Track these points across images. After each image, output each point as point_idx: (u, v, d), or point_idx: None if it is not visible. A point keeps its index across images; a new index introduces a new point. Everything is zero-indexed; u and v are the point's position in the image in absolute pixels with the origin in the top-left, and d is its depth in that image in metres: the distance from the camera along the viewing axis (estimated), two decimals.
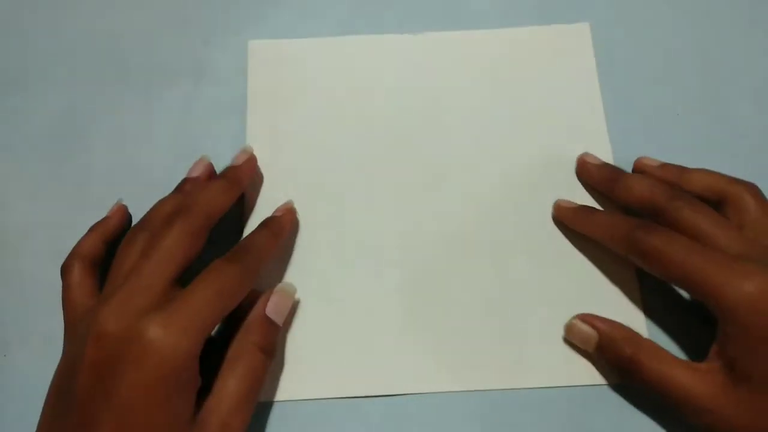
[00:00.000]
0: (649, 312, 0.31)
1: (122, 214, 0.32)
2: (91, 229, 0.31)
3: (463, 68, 0.36)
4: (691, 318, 0.30)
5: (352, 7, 0.38)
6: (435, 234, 0.32)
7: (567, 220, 0.32)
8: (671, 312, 0.31)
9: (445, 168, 0.34)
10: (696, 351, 0.30)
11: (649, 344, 0.28)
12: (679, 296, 0.31)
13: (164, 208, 0.29)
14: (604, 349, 0.29)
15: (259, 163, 0.34)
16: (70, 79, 0.36)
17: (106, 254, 0.30)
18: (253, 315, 0.28)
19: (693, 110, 0.35)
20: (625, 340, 0.28)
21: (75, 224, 0.33)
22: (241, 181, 0.31)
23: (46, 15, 0.38)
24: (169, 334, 0.24)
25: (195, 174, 0.32)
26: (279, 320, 0.29)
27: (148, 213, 0.29)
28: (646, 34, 0.37)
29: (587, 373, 0.30)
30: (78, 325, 0.27)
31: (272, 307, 0.28)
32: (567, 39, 0.36)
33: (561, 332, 0.30)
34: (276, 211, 0.32)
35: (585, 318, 0.29)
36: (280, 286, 0.30)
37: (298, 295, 0.31)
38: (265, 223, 0.31)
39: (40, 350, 0.31)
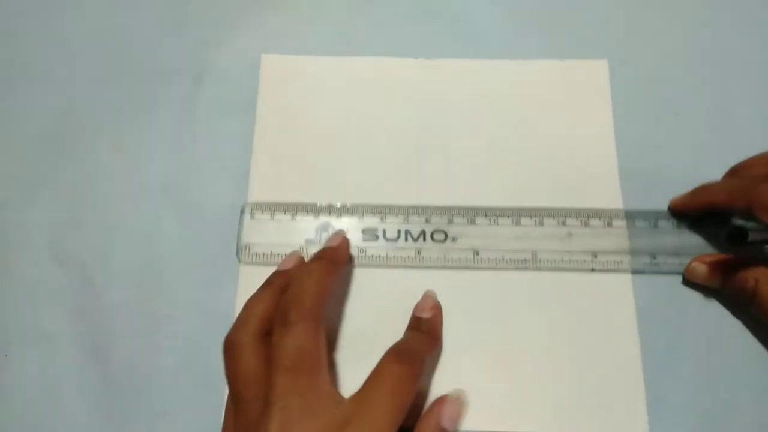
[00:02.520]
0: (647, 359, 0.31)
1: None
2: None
3: (476, 97, 0.35)
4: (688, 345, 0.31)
5: (356, 20, 0.37)
6: (443, 284, 0.32)
7: (685, 206, 0.32)
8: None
9: (450, 197, 0.33)
10: (694, 381, 0.30)
11: None
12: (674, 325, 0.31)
13: (262, 305, 0.27)
14: (729, 285, 0.30)
15: (264, 176, 0.34)
16: (70, 79, 0.36)
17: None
18: (430, 427, 0.26)
19: (693, 110, 0.35)
20: (746, 275, 0.29)
21: (76, 224, 0.33)
22: (339, 262, 0.30)
23: (46, 15, 0.38)
24: None
25: (285, 267, 0.30)
26: (453, 429, 0.26)
27: (244, 314, 0.27)
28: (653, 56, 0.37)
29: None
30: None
31: (447, 419, 0.26)
32: (584, 74, 0.35)
33: (553, 381, 0.30)
34: (421, 311, 0.30)
35: (702, 260, 0.30)
36: (454, 393, 0.27)
37: None
38: (417, 327, 0.29)
39: (41, 350, 0.31)
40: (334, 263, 0.29)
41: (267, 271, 0.30)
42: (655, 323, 0.31)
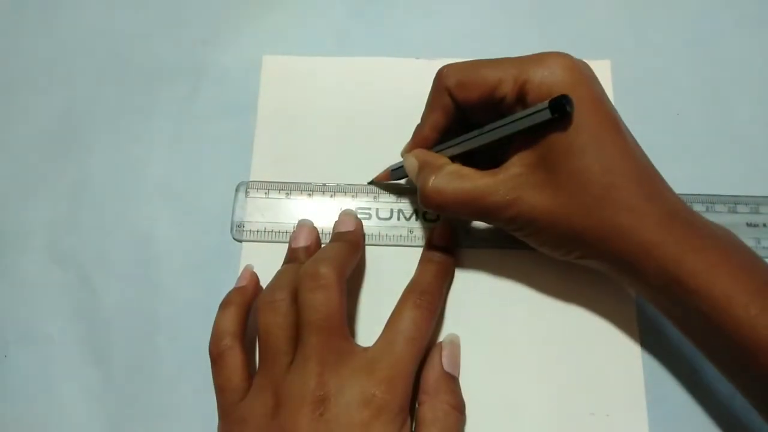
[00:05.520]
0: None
1: (257, 281, 0.31)
2: (232, 302, 0.29)
3: None
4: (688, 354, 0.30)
5: (356, 20, 0.37)
6: None
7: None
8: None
9: None
10: (694, 382, 0.30)
11: (452, 168, 0.28)
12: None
13: (288, 279, 0.28)
14: (418, 179, 0.29)
15: (264, 176, 0.34)
16: (70, 79, 0.36)
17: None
18: (435, 375, 0.28)
19: (693, 110, 0.35)
20: (429, 168, 0.28)
21: (75, 224, 0.33)
22: (359, 244, 0.31)
23: (45, 15, 0.38)
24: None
25: (303, 243, 0.31)
26: (457, 373, 0.29)
27: (275, 283, 0.28)
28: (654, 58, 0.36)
29: None
30: (236, 409, 0.26)
31: (447, 362, 0.28)
32: None
33: (551, 379, 0.30)
34: (435, 238, 0.31)
35: (414, 152, 0.30)
36: (447, 338, 0.30)
37: None
38: (430, 258, 0.31)
39: (40, 350, 0.31)
40: (356, 245, 0.30)
41: (268, 248, 0.31)
42: (653, 312, 0.31)
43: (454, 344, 0.29)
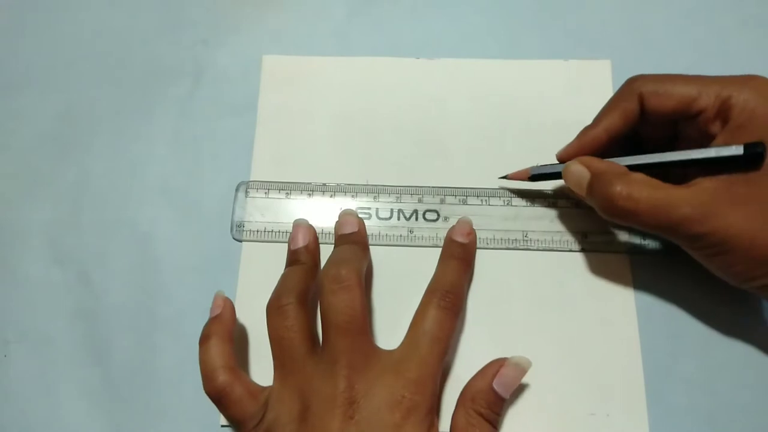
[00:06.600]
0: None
1: (231, 307, 0.30)
2: (211, 334, 0.28)
3: (477, 97, 0.35)
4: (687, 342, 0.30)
5: (356, 20, 0.37)
6: (434, 263, 0.31)
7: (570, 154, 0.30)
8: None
9: (449, 197, 0.33)
10: (694, 382, 0.30)
11: (640, 176, 0.27)
12: (673, 313, 0.31)
13: (293, 281, 0.28)
14: (595, 187, 0.27)
15: (265, 176, 0.34)
16: (70, 79, 0.36)
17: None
18: (480, 385, 0.27)
19: None
20: (608, 175, 0.27)
21: (75, 224, 0.33)
22: (367, 244, 0.32)
23: (45, 15, 0.38)
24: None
25: (302, 243, 0.31)
26: (506, 395, 0.27)
27: (280, 287, 0.28)
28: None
29: None
30: (258, 430, 0.26)
31: (501, 381, 0.27)
32: (587, 74, 0.35)
33: (551, 380, 0.30)
34: (458, 234, 0.31)
35: (580, 159, 0.29)
36: (514, 358, 0.28)
37: None
38: (451, 254, 0.30)
39: (40, 350, 0.31)
40: (365, 246, 0.31)
41: (268, 248, 0.32)
42: (653, 312, 0.31)
43: (519, 368, 0.28)
